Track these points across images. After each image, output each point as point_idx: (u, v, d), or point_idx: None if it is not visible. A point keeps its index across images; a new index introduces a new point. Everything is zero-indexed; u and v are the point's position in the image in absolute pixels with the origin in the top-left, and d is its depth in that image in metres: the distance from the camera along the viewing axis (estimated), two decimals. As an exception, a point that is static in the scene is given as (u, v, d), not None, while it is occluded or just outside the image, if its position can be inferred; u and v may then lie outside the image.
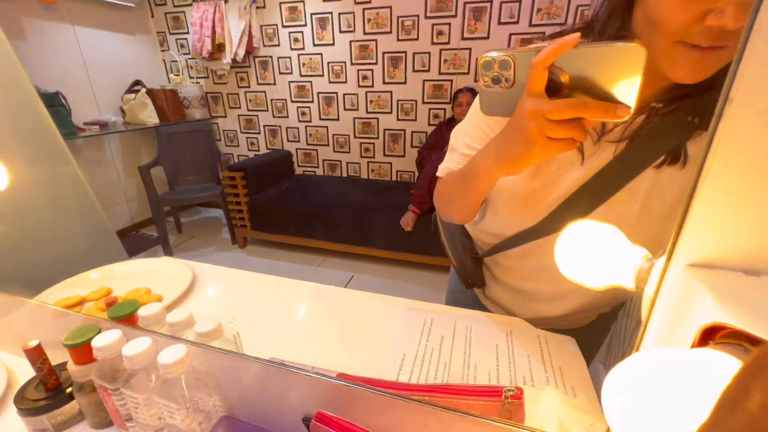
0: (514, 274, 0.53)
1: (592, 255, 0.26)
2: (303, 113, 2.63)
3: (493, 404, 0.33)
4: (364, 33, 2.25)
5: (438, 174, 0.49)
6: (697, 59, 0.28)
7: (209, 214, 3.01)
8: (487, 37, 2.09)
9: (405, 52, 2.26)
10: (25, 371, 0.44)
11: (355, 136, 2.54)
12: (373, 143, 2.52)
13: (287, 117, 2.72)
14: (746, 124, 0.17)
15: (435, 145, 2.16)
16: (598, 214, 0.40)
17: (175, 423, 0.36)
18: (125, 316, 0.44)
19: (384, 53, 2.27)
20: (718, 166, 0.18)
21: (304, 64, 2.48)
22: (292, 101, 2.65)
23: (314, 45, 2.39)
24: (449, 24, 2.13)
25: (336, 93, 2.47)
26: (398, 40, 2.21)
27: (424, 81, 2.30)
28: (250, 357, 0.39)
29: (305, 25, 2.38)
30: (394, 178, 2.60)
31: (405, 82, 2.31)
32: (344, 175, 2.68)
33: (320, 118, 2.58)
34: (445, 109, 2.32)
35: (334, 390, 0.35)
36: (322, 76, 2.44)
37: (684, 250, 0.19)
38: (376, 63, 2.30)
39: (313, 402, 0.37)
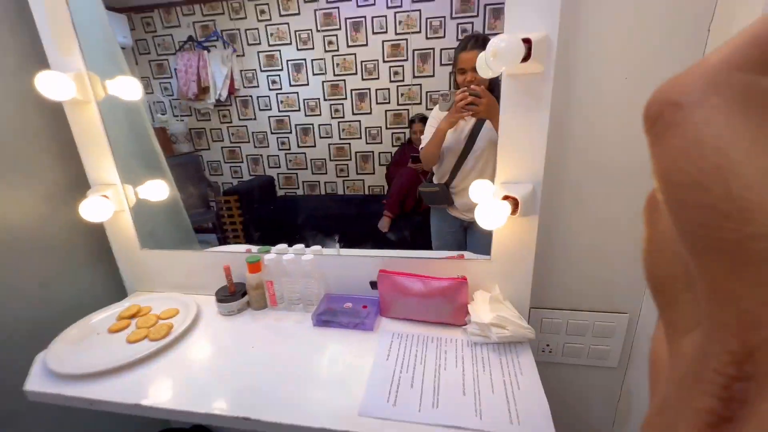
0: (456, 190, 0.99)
1: (481, 190, 0.72)
2: (282, 143, 3.04)
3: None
4: (335, 75, 2.74)
5: (421, 146, 0.97)
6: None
7: (201, 238, 3.27)
8: (433, 75, 2.68)
9: (369, 89, 2.78)
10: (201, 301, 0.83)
11: (330, 160, 2.98)
12: (347, 164, 2.97)
13: (268, 147, 3.12)
14: (509, 112, 0.65)
15: (399, 162, 2.67)
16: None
17: (308, 291, 0.78)
18: (254, 261, 0.84)
19: (351, 90, 2.77)
20: (503, 137, 0.65)
21: (282, 102, 2.91)
22: (272, 133, 3.05)
23: (290, 85, 2.84)
24: (402, 66, 2.69)
25: (312, 124, 2.91)
26: (363, 79, 2.73)
27: (386, 111, 2.83)
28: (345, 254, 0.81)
29: (282, 69, 2.83)
30: (367, 192, 3.07)
31: (371, 113, 2.83)
32: (323, 193, 3.10)
33: (298, 146, 3.00)
34: (404, 133, 2.87)
35: (382, 264, 0.79)
36: (299, 111, 2.89)
37: (499, 175, 0.67)
38: (345, 98, 2.79)
39: (372, 274, 0.80)
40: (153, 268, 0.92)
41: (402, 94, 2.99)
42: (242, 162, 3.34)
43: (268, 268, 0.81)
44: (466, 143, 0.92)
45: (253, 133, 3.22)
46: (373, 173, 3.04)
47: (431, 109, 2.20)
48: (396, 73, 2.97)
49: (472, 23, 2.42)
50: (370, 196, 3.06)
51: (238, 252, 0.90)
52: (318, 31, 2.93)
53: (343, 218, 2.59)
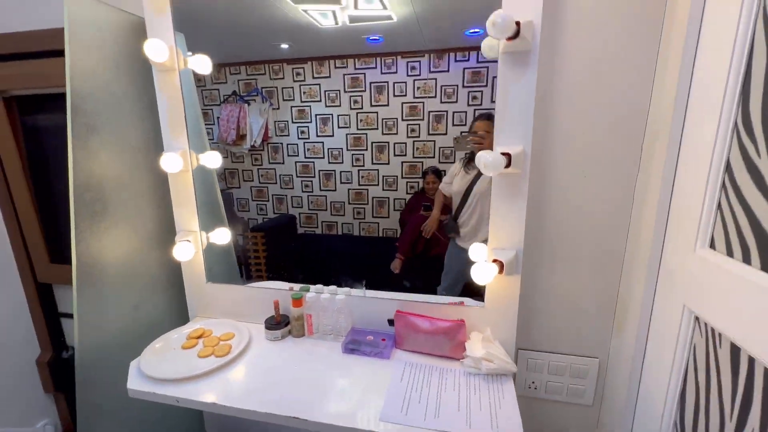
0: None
1: (478, 252, 0.93)
2: (306, 185, 3.36)
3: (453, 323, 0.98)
4: (357, 129, 3.10)
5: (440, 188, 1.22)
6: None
7: (224, 269, 3.50)
8: (446, 134, 2.99)
9: (388, 142, 3.11)
10: (250, 328, 1.05)
11: (349, 203, 3.27)
12: (364, 208, 3.25)
13: (293, 188, 3.43)
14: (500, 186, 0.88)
15: (412, 209, 2.93)
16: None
17: (338, 324, 0.99)
18: (298, 297, 1.06)
19: (372, 143, 3.11)
20: (493, 215, 0.88)
21: (308, 149, 3.26)
22: (297, 176, 3.39)
23: (317, 136, 3.21)
24: (419, 124, 3.03)
25: (334, 170, 3.24)
26: (382, 134, 3.07)
27: (402, 162, 3.13)
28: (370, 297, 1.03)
29: (310, 122, 3.21)
30: (381, 235, 3.32)
31: (388, 163, 3.13)
32: (340, 233, 3.36)
33: (320, 189, 3.32)
34: (418, 182, 3.15)
35: (399, 306, 1.00)
36: (323, 158, 3.23)
37: (492, 241, 0.89)
38: (366, 149, 3.13)
39: (389, 313, 1.01)
40: (213, 298, 1.15)
41: (417, 149, 3.30)
42: (268, 201, 3.67)
43: (308, 303, 1.03)
44: (467, 188, 1.22)
45: (280, 175, 3.56)
46: (388, 217, 3.30)
47: (444, 162, 2.47)
48: (413, 130, 3.31)
49: (482, 92, 2.74)
50: (383, 238, 3.30)
51: (281, 289, 1.12)
52: (345, 91, 3.33)
53: (358, 257, 2.81)
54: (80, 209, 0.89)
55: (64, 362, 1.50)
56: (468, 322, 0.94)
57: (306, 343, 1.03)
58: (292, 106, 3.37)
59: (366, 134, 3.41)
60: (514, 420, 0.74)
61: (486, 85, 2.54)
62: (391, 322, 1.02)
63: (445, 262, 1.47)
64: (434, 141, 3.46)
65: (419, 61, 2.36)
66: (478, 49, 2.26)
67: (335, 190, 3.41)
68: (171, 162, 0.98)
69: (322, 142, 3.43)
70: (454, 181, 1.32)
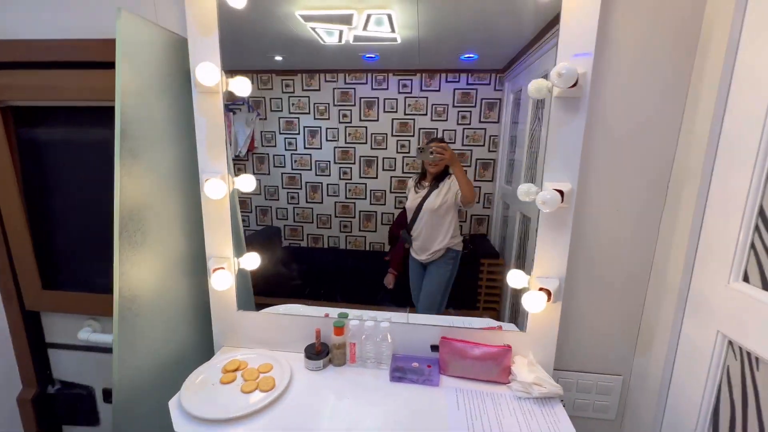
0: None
1: (518, 278, 0.99)
2: (292, 197, 3.29)
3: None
4: (346, 142, 3.10)
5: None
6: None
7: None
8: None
9: (376, 157, 3.14)
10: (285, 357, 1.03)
11: (335, 216, 3.25)
12: (351, 221, 3.24)
13: (278, 200, 3.36)
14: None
15: (402, 224, 2.98)
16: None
17: (378, 352, 0.99)
18: (341, 326, 1.05)
19: (360, 157, 3.13)
20: (540, 248, 0.94)
21: (295, 161, 3.21)
22: (283, 188, 3.32)
23: (305, 148, 3.17)
24: (409, 140, 3.09)
25: (321, 183, 3.21)
26: (371, 148, 3.10)
27: (391, 177, 3.17)
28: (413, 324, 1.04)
29: (298, 133, 3.17)
30: (368, 249, 3.32)
31: (376, 177, 3.16)
32: (326, 246, 3.32)
33: (306, 202, 3.27)
34: (406, 197, 3.20)
35: (440, 331, 1.02)
36: (310, 170, 3.19)
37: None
38: (354, 163, 3.13)
39: (434, 339, 1.03)
40: (244, 327, 1.11)
41: (407, 164, 3.37)
42: (251, 212, 3.55)
43: (351, 331, 1.02)
44: (418, 204, 1.37)
45: (265, 186, 3.47)
46: (375, 231, 3.32)
47: None
48: (402, 145, 3.36)
49: (470, 112, 2.86)
50: (371, 252, 3.31)
51: (316, 316, 1.11)
52: (335, 105, 3.33)
53: (345, 270, 2.79)
54: (124, 240, 0.83)
55: (50, 398, 1.35)
56: (511, 347, 0.99)
57: (348, 372, 1.02)
58: (279, 117, 3.32)
59: (354, 148, 3.43)
60: (575, 442, 0.79)
61: (474, 106, 2.66)
62: (434, 347, 1.04)
63: (410, 277, 1.53)
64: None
65: (411, 80, 2.43)
66: (469, 72, 2.35)
67: (322, 203, 3.38)
68: (216, 188, 0.94)
69: (310, 154, 3.40)
70: (408, 197, 1.48)
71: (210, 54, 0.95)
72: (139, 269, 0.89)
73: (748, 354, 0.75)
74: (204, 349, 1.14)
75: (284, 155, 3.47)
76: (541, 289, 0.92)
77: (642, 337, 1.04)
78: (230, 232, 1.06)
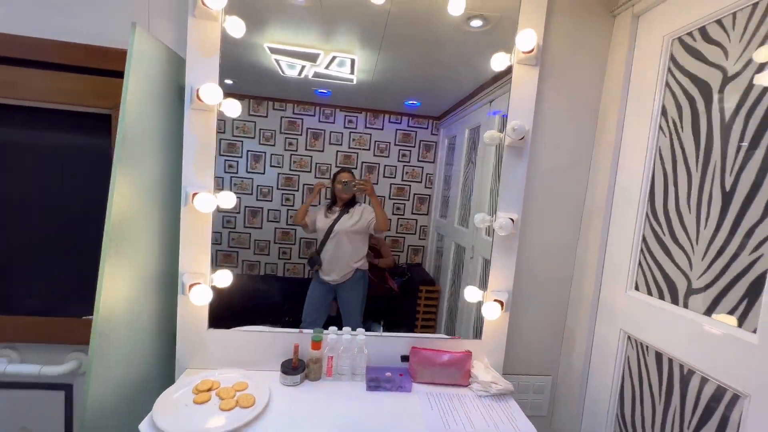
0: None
1: (473, 294, 1.17)
2: (228, 221, 3.16)
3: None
4: (290, 169, 3.13)
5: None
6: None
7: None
8: (377, 183, 3.28)
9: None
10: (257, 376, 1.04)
11: (275, 242, 3.19)
12: (290, 248, 3.21)
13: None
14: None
15: (343, 251, 3.05)
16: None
17: (353, 365, 1.06)
18: (319, 339, 1.09)
19: (304, 184, 3.18)
20: (494, 268, 1.13)
21: (235, 184, 3.12)
22: (218, 211, 3.17)
23: (247, 172, 3.11)
24: (352, 173, 3.25)
25: (262, 208, 3.15)
26: (315, 177, 3.18)
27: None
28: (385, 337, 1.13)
29: (241, 157, 3.11)
30: (307, 276, 3.29)
31: (318, 205, 3.23)
32: (262, 273, 3.20)
33: (244, 226, 3.16)
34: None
35: (408, 342, 1.13)
36: (251, 195, 3.12)
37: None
38: (297, 190, 3.17)
39: (403, 350, 1.13)
40: (213, 347, 1.07)
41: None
42: (177, 237, 3.27)
43: (330, 345, 1.07)
44: (329, 228, 1.51)
45: (196, 209, 3.26)
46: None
47: None
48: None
49: (410, 151, 3.14)
50: (310, 279, 3.29)
51: (293, 332, 1.13)
52: (281, 133, 3.40)
53: (284, 298, 2.74)
54: (107, 253, 0.79)
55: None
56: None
57: (326, 385, 1.06)
58: (222, 139, 3.26)
59: (299, 176, 3.51)
60: (529, 427, 0.95)
61: (414, 146, 2.94)
62: (404, 358, 1.14)
63: (307, 295, 1.64)
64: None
65: (356, 117, 2.63)
66: (410, 115, 2.59)
67: (261, 228, 3.34)
68: (207, 202, 0.95)
69: (252, 179, 3.38)
70: (317, 220, 1.60)
71: (210, 74, 1.00)
72: (117, 284, 0.84)
73: (641, 344, 1.02)
74: (166, 373, 1.06)
75: (223, 177, 3.37)
76: (495, 300, 1.11)
77: (566, 340, 1.28)
78: (209, 248, 1.05)
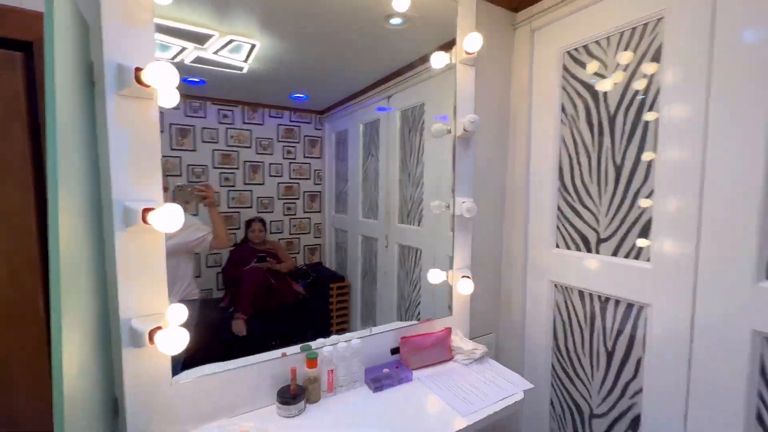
0: None
1: (437, 275, 1.27)
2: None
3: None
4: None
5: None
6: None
7: None
8: (263, 183, 3.02)
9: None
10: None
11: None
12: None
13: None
14: None
15: (237, 262, 2.70)
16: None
17: (349, 373, 1.02)
18: (315, 357, 0.98)
19: (175, 188, 2.65)
20: (457, 249, 1.25)
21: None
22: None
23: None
24: (234, 173, 2.89)
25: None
26: (189, 181, 2.69)
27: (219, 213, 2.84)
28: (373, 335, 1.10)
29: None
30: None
31: (197, 214, 2.76)
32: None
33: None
34: (235, 234, 2.93)
35: (395, 335, 1.15)
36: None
37: (456, 265, 1.26)
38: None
39: (389, 342, 1.14)
40: (182, 402, 0.83)
41: (233, 198, 3.13)
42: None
43: (326, 358, 0.99)
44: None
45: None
46: (199, 276, 2.83)
47: (263, 211, 2.56)
48: (227, 179, 3.13)
49: (296, 147, 3.08)
50: (203, 300, 2.78)
51: (275, 358, 0.98)
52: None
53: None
54: (62, 308, 0.52)
55: None
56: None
57: (332, 402, 0.97)
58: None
59: (167, 179, 3.05)
60: (516, 376, 1.11)
61: (298, 142, 2.89)
62: (393, 350, 1.15)
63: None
64: (251, 191, 3.55)
65: (232, 110, 2.44)
66: (292, 109, 2.56)
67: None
68: (173, 217, 0.72)
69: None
70: None
71: (143, 48, 0.75)
72: (74, 352, 0.56)
73: (566, 288, 1.32)
74: (107, 462, 0.77)
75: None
76: (464, 276, 1.23)
77: (504, 299, 1.53)
78: (165, 278, 0.81)
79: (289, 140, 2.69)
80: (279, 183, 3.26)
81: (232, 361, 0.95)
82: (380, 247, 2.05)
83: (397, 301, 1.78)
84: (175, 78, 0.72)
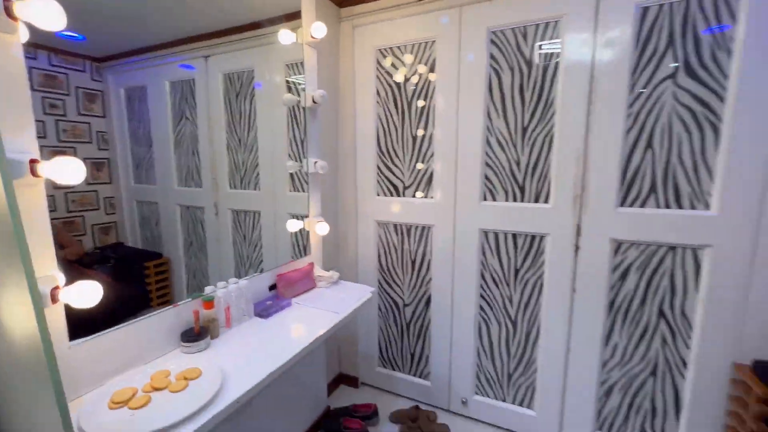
0: None
1: (294, 224, 1.53)
2: None
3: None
4: None
5: None
6: None
7: None
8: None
9: None
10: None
11: None
12: None
13: None
14: None
15: None
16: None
17: (240, 307, 1.20)
18: (211, 299, 1.07)
19: None
20: (312, 189, 1.54)
21: None
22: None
23: None
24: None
25: None
26: None
27: None
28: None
29: None
30: None
31: None
32: None
33: None
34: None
35: (272, 273, 1.35)
36: None
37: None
38: None
39: (270, 280, 1.35)
40: (82, 364, 0.81)
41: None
42: None
43: (222, 299, 1.11)
44: None
45: None
46: None
47: None
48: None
49: (64, 101, 2.62)
50: None
51: (168, 309, 1.03)
52: None
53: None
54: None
55: None
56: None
57: (230, 335, 1.12)
58: None
59: None
60: (365, 286, 1.55)
61: (68, 94, 2.51)
62: (272, 287, 1.36)
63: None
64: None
65: None
66: (53, 50, 2.27)
67: None
68: (74, 169, 0.69)
69: None
70: None
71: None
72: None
73: (384, 223, 1.85)
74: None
75: None
76: (319, 221, 1.55)
77: (341, 241, 1.94)
78: (50, 235, 0.75)
79: (51, 91, 2.21)
80: (43, 146, 2.57)
81: (136, 319, 0.94)
82: (208, 216, 2.06)
83: (235, 264, 1.90)
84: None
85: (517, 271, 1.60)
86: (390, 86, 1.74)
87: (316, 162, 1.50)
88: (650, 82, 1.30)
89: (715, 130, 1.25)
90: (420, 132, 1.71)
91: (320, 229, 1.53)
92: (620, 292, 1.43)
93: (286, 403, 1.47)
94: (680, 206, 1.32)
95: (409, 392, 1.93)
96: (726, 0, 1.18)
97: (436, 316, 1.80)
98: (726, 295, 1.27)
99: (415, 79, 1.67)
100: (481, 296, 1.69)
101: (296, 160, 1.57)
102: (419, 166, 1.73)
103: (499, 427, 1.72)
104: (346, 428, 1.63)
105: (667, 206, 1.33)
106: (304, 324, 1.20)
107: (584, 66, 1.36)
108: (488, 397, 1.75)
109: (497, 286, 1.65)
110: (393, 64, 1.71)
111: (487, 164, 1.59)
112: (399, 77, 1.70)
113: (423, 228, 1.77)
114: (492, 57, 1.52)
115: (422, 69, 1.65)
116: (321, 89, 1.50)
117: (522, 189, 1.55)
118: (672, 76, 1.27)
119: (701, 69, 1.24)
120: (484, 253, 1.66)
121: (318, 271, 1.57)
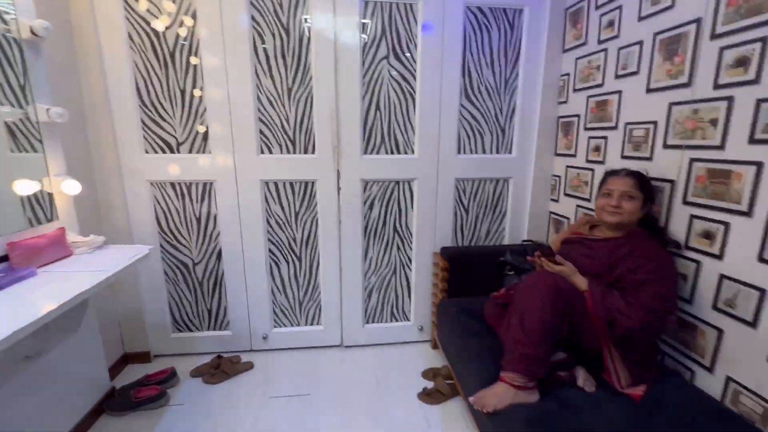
0: None
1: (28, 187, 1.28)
2: None
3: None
4: None
5: None
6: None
7: None
8: None
9: None
10: None
11: None
12: None
13: None
14: None
15: None
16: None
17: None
18: None
19: None
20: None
21: None
22: None
23: None
24: None
25: None
26: None
27: None
28: None
29: None
30: None
31: None
32: None
33: None
34: None
35: (4, 241, 1.11)
36: None
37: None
38: None
39: (1, 250, 1.10)
40: None
41: None
42: None
43: None
44: None
45: None
46: None
47: None
48: None
49: None
50: None
51: None
52: None
53: None
54: None
55: None
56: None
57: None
58: None
59: None
60: (140, 246, 1.47)
61: None
62: (2, 258, 1.12)
63: None
64: None
65: None
66: None
67: None
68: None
69: None
70: None
71: None
72: None
73: (160, 183, 1.75)
74: None
75: None
76: (65, 179, 1.34)
77: (103, 202, 1.71)
78: None
79: None
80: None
81: None
82: None
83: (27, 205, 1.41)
84: None
85: (297, 214, 1.89)
86: (146, 32, 1.61)
87: (48, 109, 1.27)
88: (374, 61, 1.77)
89: (414, 99, 1.84)
90: (189, 86, 1.68)
91: (68, 187, 1.33)
92: (370, 218, 1.94)
93: (45, 403, 1.28)
94: (399, 152, 1.89)
95: (211, 348, 1.98)
96: (411, 7, 1.74)
97: (229, 267, 1.89)
98: (426, 210, 1.95)
99: (183, 32, 1.61)
100: (269, 240, 1.90)
101: (15, 107, 1.27)
102: (200, 128, 1.72)
103: (297, 348, 2.04)
104: (138, 398, 1.57)
105: (392, 153, 1.88)
106: (55, 288, 1.08)
107: (329, 41, 1.70)
108: (285, 327, 2.03)
109: (282, 229, 1.90)
110: (149, 10, 1.58)
111: (261, 120, 1.76)
112: (158, 25, 1.60)
113: (204, 184, 1.79)
114: (253, 19, 1.66)
115: (189, 21, 1.61)
116: (42, 19, 1.24)
117: (293, 142, 1.81)
118: (386, 57, 1.78)
119: (402, 54, 1.79)
120: (267, 202, 1.85)
121: (72, 237, 1.37)
